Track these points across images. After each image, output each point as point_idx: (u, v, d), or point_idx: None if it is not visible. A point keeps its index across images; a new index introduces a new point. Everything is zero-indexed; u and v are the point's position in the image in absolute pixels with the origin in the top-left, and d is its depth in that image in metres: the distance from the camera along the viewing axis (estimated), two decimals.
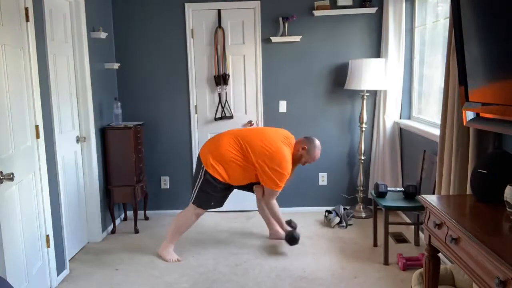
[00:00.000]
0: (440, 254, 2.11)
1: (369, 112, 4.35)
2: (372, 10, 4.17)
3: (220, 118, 4.40)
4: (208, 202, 3.40)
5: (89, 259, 3.52)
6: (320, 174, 4.52)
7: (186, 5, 4.27)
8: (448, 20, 2.68)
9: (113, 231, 4.08)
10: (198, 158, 3.44)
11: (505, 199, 1.76)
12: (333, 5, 4.20)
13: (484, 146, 2.39)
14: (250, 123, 4.44)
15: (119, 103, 4.07)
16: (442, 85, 2.76)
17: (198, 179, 3.38)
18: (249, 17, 4.30)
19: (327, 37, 4.29)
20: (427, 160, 3.40)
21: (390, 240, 3.62)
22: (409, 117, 4.19)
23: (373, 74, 3.93)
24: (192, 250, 3.62)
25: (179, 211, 4.50)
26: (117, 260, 3.46)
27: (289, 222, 3.69)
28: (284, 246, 3.62)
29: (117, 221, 4.28)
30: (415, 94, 4.10)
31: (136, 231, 4.06)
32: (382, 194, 3.38)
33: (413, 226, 3.74)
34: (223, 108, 4.41)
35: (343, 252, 3.49)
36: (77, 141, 3.65)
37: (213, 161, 3.31)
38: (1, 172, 2.41)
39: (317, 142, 3.50)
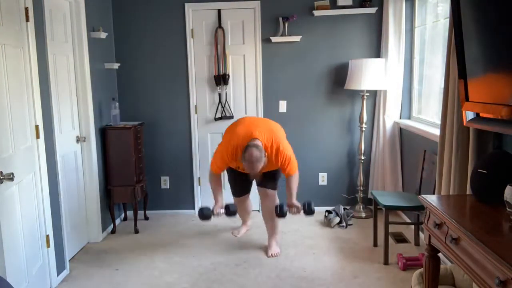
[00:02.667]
0: (440, 254, 2.11)
1: (369, 112, 4.35)
2: (372, 10, 4.17)
3: (220, 118, 4.39)
4: None
5: (89, 259, 3.52)
6: (320, 174, 4.52)
7: (186, 5, 4.27)
8: (448, 20, 2.68)
9: (113, 231, 4.08)
10: None
11: (505, 199, 1.76)
12: (333, 5, 4.20)
13: (484, 146, 2.39)
14: None
15: (117, 103, 4.07)
16: (442, 85, 2.76)
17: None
18: (249, 17, 4.30)
19: (327, 37, 4.29)
20: (427, 160, 3.40)
21: (390, 240, 3.62)
22: (409, 117, 4.19)
23: (373, 74, 3.93)
24: (192, 250, 3.62)
25: (179, 211, 4.55)
26: (117, 260, 3.46)
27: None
28: (284, 246, 3.64)
29: (117, 221, 4.28)
30: (415, 94, 4.10)
31: (136, 231, 4.06)
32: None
33: (413, 226, 3.74)
34: (223, 108, 4.41)
35: (343, 252, 3.49)
36: (77, 141, 3.65)
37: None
38: (1, 172, 2.41)
39: (247, 154, 3.11)
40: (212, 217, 3.35)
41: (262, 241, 3.75)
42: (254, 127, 3.29)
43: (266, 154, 3.22)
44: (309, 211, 3.29)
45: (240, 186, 3.68)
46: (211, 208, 3.35)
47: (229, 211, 3.35)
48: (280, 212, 3.28)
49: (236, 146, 3.25)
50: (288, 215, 3.32)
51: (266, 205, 3.54)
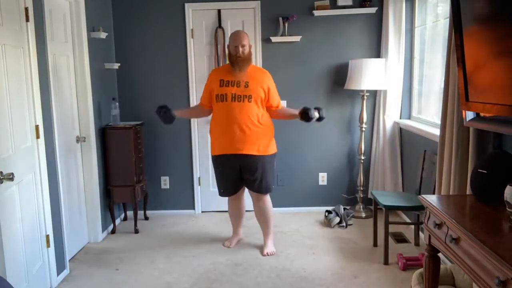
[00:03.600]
0: (440, 254, 2.11)
1: (369, 112, 4.35)
2: (372, 10, 4.17)
3: None
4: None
5: (89, 259, 3.51)
6: (320, 174, 4.52)
7: (186, 5, 4.27)
8: (448, 20, 2.68)
9: (113, 231, 4.08)
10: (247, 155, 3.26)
11: (505, 199, 1.76)
12: (333, 5, 4.20)
13: (484, 146, 2.39)
14: None
15: (117, 103, 4.07)
16: (442, 85, 2.76)
17: (270, 168, 3.37)
18: (249, 17, 4.30)
19: (327, 37, 4.29)
20: (427, 160, 3.40)
21: (390, 240, 3.62)
22: (409, 117, 4.19)
23: (373, 74, 3.93)
24: (192, 250, 3.62)
25: (179, 211, 4.55)
26: (117, 260, 3.46)
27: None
28: (284, 246, 3.64)
29: (117, 221, 4.28)
30: (415, 94, 4.10)
31: (136, 231, 4.06)
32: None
33: (413, 226, 3.74)
34: None
35: (343, 252, 3.49)
36: (77, 141, 3.65)
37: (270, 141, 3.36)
38: (1, 172, 2.41)
39: (233, 32, 3.34)
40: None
41: (262, 241, 3.74)
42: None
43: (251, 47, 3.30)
44: (320, 116, 3.17)
45: (229, 180, 3.42)
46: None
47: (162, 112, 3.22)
48: (309, 117, 3.14)
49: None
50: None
51: (260, 207, 3.48)
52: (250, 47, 3.28)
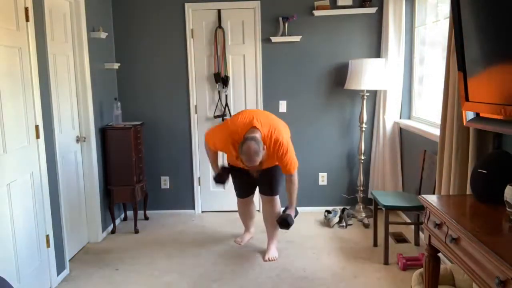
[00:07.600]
0: (440, 254, 2.11)
1: (369, 112, 4.35)
2: (372, 10, 4.17)
3: (220, 116, 4.38)
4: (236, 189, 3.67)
5: (89, 259, 3.52)
6: (320, 174, 4.52)
7: (186, 5, 4.27)
8: (448, 20, 2.68)
9: (113, 231, 4.08)
10: None
11: (505, 199, 1.76)
12: (333, 5, 4.20)
13: (484, 146, 2.39)
14: None
15: (119, 104, 4.07)
16: (442, 85, 2.76)
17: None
18: (249, 17, 4.30)
19: (327, 37, 4.29)
20: (427, 160, 3.40)
21: (390, 240, 3.62)
22: (409, 117, 4.19)
23: (373, 74, 3.93)
24: (192, 250, 3.62)
25: (179, 211, 4.55)
26: (117, 260, 3.46)
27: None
28: (284, 246, 3.64)
29: (117, 221, 4.28)
30: (415, 94, 4.10)
31: (136, 231, 4.06)
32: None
33: (413, 226, 3.74)
34: (222, 107, 4.39)
35: (343, 252, 3.49)
36: (77, 141, 3.65)
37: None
38: None
39: (245, 147, 2.97)
40: (223, 183, 3.45)
41: (262, 242, 3.75)
42: (255, 118, 3.16)
43: (265, 146, 3.06)
44: (283, 224, 3.24)
45: (242, 186, 3.59)
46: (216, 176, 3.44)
47: (218, 178, 3.40)
48: (282, 224, 3.24)
49: (234, 132, 3.12)
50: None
51: (266, 209, 3.48)
52: (264, 155, 3.07)
